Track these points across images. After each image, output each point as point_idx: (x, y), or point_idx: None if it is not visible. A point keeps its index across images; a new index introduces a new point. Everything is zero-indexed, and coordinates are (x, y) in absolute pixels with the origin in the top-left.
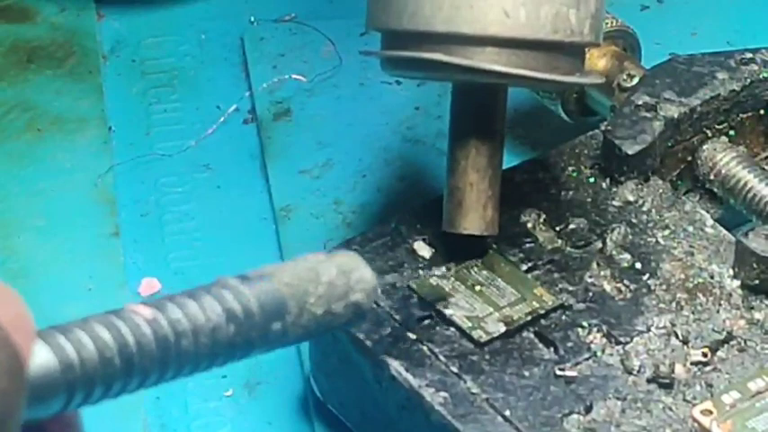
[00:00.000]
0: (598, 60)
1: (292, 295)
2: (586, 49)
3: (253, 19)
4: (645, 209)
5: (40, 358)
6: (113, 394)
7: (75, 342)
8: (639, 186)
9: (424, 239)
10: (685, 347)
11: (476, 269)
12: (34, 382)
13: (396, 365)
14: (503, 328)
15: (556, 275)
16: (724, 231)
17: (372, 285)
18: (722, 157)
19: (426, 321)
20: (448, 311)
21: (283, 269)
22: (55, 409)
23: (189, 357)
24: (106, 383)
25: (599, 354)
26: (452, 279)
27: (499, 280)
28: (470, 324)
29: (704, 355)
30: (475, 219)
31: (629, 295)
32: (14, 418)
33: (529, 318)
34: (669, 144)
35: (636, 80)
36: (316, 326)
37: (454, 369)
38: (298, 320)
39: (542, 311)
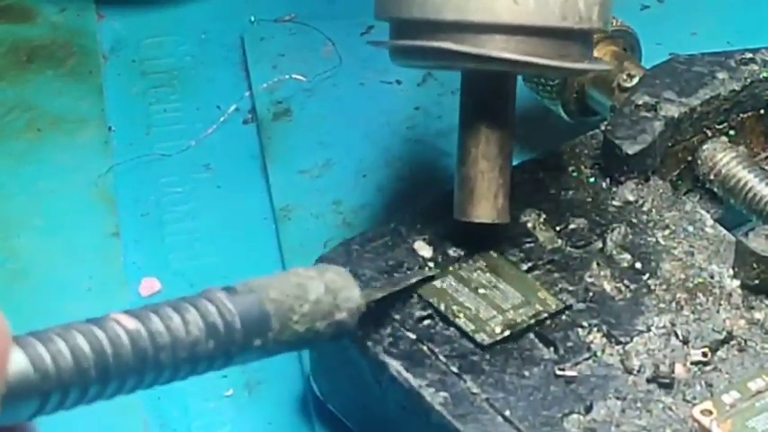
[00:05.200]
0: None
1: (277, 312)
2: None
3: (253, 19)
4: (645, 209)
5: (17, 365)
6: (87, 401)
7: (53, 351)
8: (639, 186)
9: (424, 239)
10: (685, 347)
11: (479, 272)
12: (10, 389)
13: (396, 365)
14: (506, 332)
15: (556, 275)
16: (724, 231)
17: (358, 305)
18: (722, 157)
19: (426, 321)
20: (451, 314)
21: (272, 284)
22: (26, 415)
23: (166, 369)
24: (80, 391)
25: (599, 354)
26: (455, 281)
27: (502, 283)
28: (474, 327)
29: (704, 354)
30: (486, 207)
31: (629, 295)
32: None
33: (532, 321)
34: (669, 144)
35: (636, 80)
36: (296, 342)
37: (454, 369)
38: (279, 337)
39: (546, 315)
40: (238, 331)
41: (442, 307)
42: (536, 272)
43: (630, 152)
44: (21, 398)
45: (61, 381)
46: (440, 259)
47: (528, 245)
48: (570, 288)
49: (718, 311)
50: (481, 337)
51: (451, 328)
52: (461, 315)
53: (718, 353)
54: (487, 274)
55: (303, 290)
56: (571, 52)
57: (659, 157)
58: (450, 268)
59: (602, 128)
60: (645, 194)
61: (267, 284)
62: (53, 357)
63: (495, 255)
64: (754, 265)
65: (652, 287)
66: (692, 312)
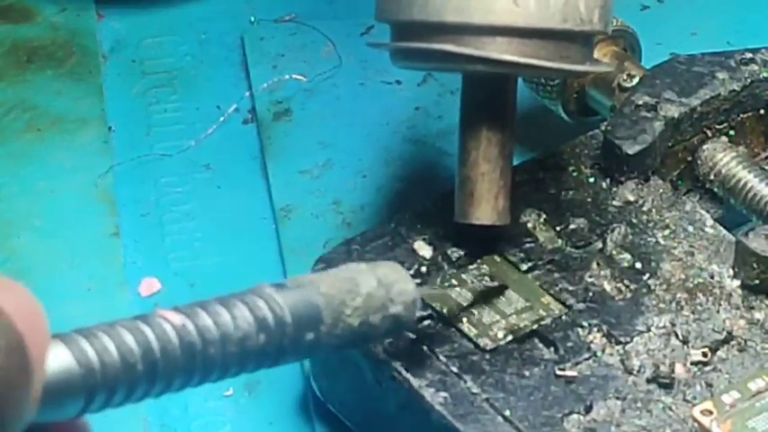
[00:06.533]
0: None
1: (328, 305)
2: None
3: (253, 19)
4: (645, 209)
5: (60, 360)
6: (135, 399)
7: (99, 346)
8: (639, 186)
9: (424, 239)
10: (685, 347)
11: (481, 276)
12: (53, 385)
13: (396, 365)
14: (509, 337)
15: (556, 275)
16: (724, 231)
17: (413, 298)
18: (722, 157)
19: (426, 321)
20: (454, 318)
21: (321, 278)
22: (73, 412)
23: (216, 365)
24: (128, 388)
25: (599, 354)
26: (458, 285)
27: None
28: (477, 331)
29: (704, 355)
30: (487, 209)
31: (629, 295)
32: (13, 400)
33: (535, 326)
34: (669, 144)
35: (636, 80)
36: (351, 336)
37: (454, 369)
38: (332, 331)
39: (549, 320)
40: (289, 325)
41: (445, 311)
42: (536, 272)
43: (630, 152)
44: (65, 393)
45: (107, 376)
46: (440, 259)
47: (528, 245)
48: (570, 288)
49: (718, 311)
50: (484, 342)
51: (452, 329)
52: (464, 319)
53: (718, 353)
54: (489, 279)
55: (354, 283)
56: (572, 54)
57: (659, 157)
58: (453, 272)
59: (602, 128)
60: (645, 194)
61: (317, 279)
62: (98, 353)
63: (497, 258)
64: (754, 265)
65: (652, 287)
66: (692, 312)
